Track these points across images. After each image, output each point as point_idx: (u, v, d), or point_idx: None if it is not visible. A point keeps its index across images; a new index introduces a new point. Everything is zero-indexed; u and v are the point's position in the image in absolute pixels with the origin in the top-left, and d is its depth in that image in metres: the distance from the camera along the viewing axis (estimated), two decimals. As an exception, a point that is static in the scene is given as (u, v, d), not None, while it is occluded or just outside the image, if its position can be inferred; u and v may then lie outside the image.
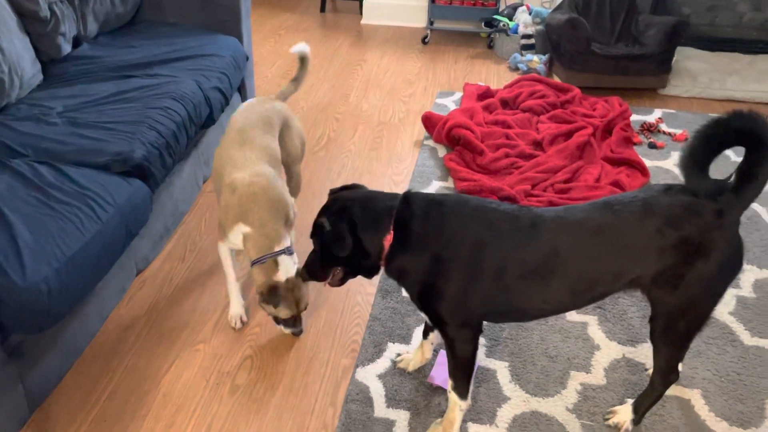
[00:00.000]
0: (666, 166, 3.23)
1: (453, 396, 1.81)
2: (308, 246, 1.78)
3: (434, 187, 3.05)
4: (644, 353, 2.15)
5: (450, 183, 3.07)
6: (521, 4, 4.63)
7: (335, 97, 3.95)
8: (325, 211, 1.69)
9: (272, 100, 2.47)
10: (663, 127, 3.57)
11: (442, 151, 3.34)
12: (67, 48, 2.88)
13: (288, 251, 2.07)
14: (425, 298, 1.68)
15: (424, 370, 2.09)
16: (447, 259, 1.60)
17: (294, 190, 2.56)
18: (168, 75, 2.74)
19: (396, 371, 2.10)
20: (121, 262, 2.25)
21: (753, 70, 4.08)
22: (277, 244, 2.04)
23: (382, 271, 1.73)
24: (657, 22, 3.92)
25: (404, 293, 2.29)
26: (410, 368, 2.09)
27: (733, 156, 3.20)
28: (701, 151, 1.49)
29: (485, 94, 3.80)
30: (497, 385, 2.05)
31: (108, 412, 1.98)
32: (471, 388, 1.81)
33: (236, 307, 2.30)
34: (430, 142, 3.43)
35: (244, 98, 3.43)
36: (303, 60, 2.63)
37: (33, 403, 1.91)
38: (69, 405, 1.99)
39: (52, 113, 2.44)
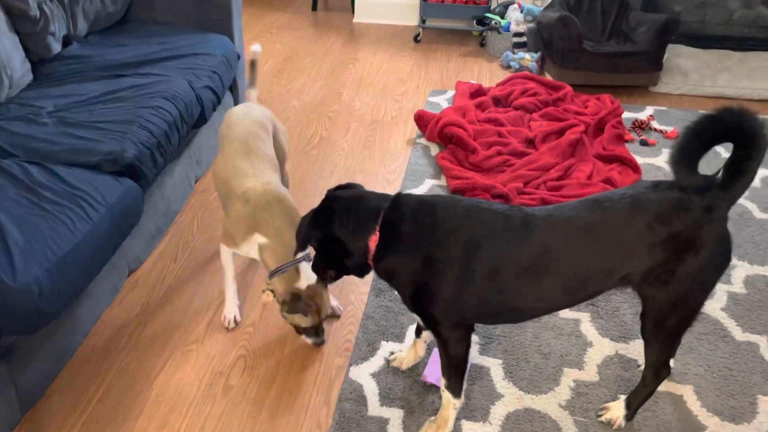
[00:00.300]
0: (657, 163, 3.24)
1: (446, 394, 1.81)
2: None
3: (427, 185, 3.05)
4: (637, 350, 2.16)
5: (443, 181, 3.07)
6: (513, 2, 4.63)
7: (328, 96, 3.94)
8: (310, 212, 1.73)
9: (258, 106, 2.44)
10: (654, 124, 3.58)
11: (434, 150, 3.34)
12: (57, 47, 2.86)
13: (308, 258, 2.03)
14: (418, 300, 1.68)
15: (417, 369, 2.10)
16: (439, 260, 1.60)
17: None
18: (159, 74, 2.73)
19: (389, 370, 2.10)
20: (112, 262, 2.24)
21: (744, 67, 4.11)
22: (290, 251, 2.00)
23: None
24: (648, 20, 3.93)
25: (397, 292, 2.29)
26: (404, 366, 2.09)
27: (723, 152, 3.21)
28: (691, 147, 1.50)
29: (477, 92, 3.80)
30: (491, 382, 2.06)
31: (100, 413, 1.97)
32: (464, 386, 1.82)
33: (231, 308, 2.29)
34: (423, 141, 3.43)
35: (235, 97, 3.42)
36: (253, 64, 2.59)
37: (25, 405, 1.90)
38: (61, 406, 1.98)
39: (42, 113, 2.42)
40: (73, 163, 2.18)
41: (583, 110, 3.57)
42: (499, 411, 1.96)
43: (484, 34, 4.71)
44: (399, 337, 2.22)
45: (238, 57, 3.26)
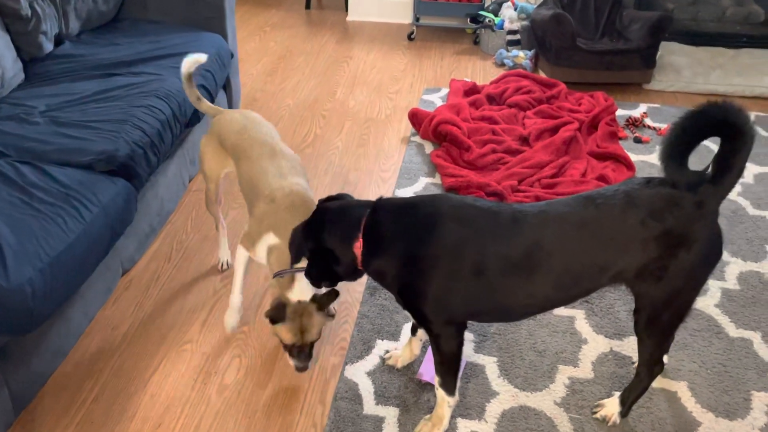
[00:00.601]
0: (651, 160, 3.25)
1: (441, 392, 1.81)
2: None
3: (422, 183, 3.05)
4: (631, 346, 2.17)
5: (437, 179, 3.07)
6: (506, 0, 4.63)
7: (322, 94, 3.93)
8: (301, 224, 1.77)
9: (248, 111, 2.35)
10: (648, 121, 3.59)
11: (429, 148, 3.34)
12: (48, 46, 2.85)
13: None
14: (407, 297, 1.69)
15: (412, 367, 2.10)
16: (423, 257, 1.60)
17: None
18: (152, 73, 2.72)
19: (385, 368, 2.10)
20: (106, 262, 2.23)
21: (736, 64, 4.12)
22: (302, 260, 1.90)
23: None
24: (641, 17, 3.94)
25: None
26: (399, 365, 2.09)
27: (715, 147, 3.22)
28: (679, 142, 1.51)
29: (471, 90, 3.81)
30: (486, 380, 2.06)
31: (95, 414, 1.96)
32: (458, 383, 1.82)
33: (232, 319, 2.18)
34: (417, 139, 3.43)
35: (229, 96, 3.41)
36: (189, 78, 2.34)
37: (18, 406, 1.89)
38: (55, 407, 1.97)
39: (34, 112, 2.41)
40: (66, 163, 2.17)
41: (577, 108, 3.58)
42: (494, 409, 1.97)
43: (477, 31, 4.71)
44: (394, 336, 2.22)
45: (232, 55, 3.25)
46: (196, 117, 2.79)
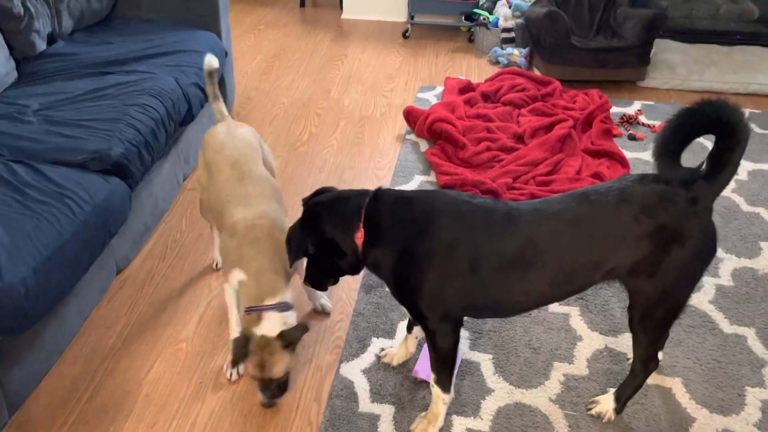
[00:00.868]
0: (645, 157, 3.25)
1: (436, 389, 1.81)
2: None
3: (416, 181, 3.05)
4: (626, 343, 2.17)
5: (432, 177, 3.07)
6: (501, -2, 4.63)
7: (316, 93, 3.93)
8: (298, 221, 1.73)
9: (238, 123, 2.26)
10: (642, 118, 3.59)
11: (424, 146, 3.34)
12: (41, 45, 2.84)
13: (280, 307, 1.84)
14: (403, 292, 1.69)
15: (408, 365, 2.10)
16: (418, 253, 1.60)
17: None
18: (146, 71, 2.71)
19: (380, 366, 2.10)
20: (100, 261, 2.22)
21: (730, 62, 4.13)
22: (270, 296, 1.83)
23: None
24: (635, 15, 3.95)
25: (387, 288, 2.29)
26: (394, 363, 2.09)
27: (709, 144, 3.23)
28: (672, 140, 1.51)
29: (466, 87, 3.80)
30: (481, 377, 2.06)
31: (89, 414, 1.95)
32: (453, 380, 1.82)
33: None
34: (412, 137, 3.43)
35: (223, 94, 3.39)
36: (211, 75, 2.33)
37: (12, 406, 1.88)
38: (49, 407, 1.97)
39: (27, 111, 2.40)
40: (59, 162, 2.16)
41: (572, 105, 3.58)
42: (489, 406, 1.97)
43: (472, 29, 4.71)
44: (389, 334, 2.22)
45: (226, 54, 3.24)
46: (190, 115, 2.79)
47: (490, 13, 4.57)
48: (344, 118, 3.65)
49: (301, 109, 3.73)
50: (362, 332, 2.22)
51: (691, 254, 1.57)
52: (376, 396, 2.00)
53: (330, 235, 1.68)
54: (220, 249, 2.04)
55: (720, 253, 2.58)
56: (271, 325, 1.81)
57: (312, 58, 4.42)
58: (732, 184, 2.96)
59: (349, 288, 2.42)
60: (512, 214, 1.60)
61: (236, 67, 4.14)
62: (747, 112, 3.65)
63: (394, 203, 1.66)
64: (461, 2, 4.72)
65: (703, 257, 1.62)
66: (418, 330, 2.05)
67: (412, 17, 4.84)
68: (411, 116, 3.46)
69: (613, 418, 1.91)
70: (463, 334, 2.17)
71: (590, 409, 1.94)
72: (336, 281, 1.84)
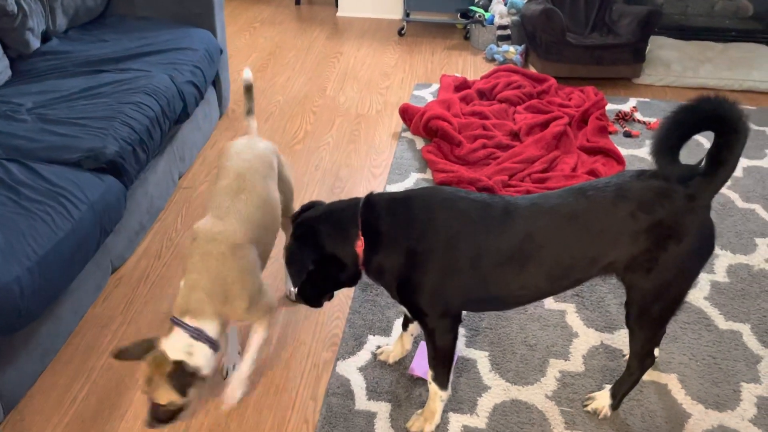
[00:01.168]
0: (641, 154, 3.26)
1: (433, 386, 1.81)
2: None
3: (413, 179, 3.05)
4: (622, 340, 2.18)
5: (428, 175, 3.07)
6: (497, -5, 4.63)
7: (312, 90, 3.92)
8: (292, 235, 1.69)
9: (261, 139, 2.11)
10: (638, 115, 3.60)
11: (420, 143, 3.34)
12: (35, 43, 2.82)
13: (195, 333, 1.65)
14: (404, 292, 1.68)
15: (404, 362, 2.10)
16: (420, 251, 1.60)
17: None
18: (140, 69, 2.70)
19: (376, 363, 2.10)
20: (95, 260, 2.22)
21: (725, 58, 4.14)
22: (191, 316, 1.67)
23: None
24: (630, 12, 3.95)
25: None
26: (391, 360, 2.10)
27: (706, 142, 3.24)
28: (671, 136, 1.51)
29: (462, 85, 3.80)
30: (477, 374, 2.06)
31: (85, 413, 1.95)
32: (451, 378, 1.82)
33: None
34: (408, 134, 3.42)
35: (218, 92, 3.39)
36: (249, 89, 2.23)
37: (7, 405, 1.88)
38: (45, 406, 1.96)
39: (21, 110, 2.39)
40: (54, 161, 2.15)
41: (567, 102, 3.58)
42: (486, 403, 1.97)
43: (468, 27, 4.71)
44: (386, 331, 2.22)
45: (221, 51, 3.23)
46: (185, 113, 2.78)
47: (486, 10, 4.56)
48: (340, 115, 3.64)
49: (296, 107, 3.72)
50: (358, 330, 2.22)
51: (688, 251, 1.57)
52: (373, 393, 2.00)
53: (330, 249, 1.64)
54: None
55: (715, 249, 2.58)
56: (175, 346, 1.64)
57: (307, 55, 4.41)
58: (727, 181, 2.98)
59: (345, 286, 2.42)
60: (510, 209, 1.60)
61: (231, 65, 4.12)
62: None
63: (389, 206, 1.64)
64: (457, 0, 4.72)
65: (701, 254, 1.62)
66: (414, 327, 2.05)
67: (407, 14, 4.83)
68: (407, 114, 3.45)
69: (609, 414, 1.92)
70: (460, 331, 2.17)
71: (586, 406, 1.95)
72: (332, 296, 1.81)
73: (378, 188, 2.99)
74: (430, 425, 1.86)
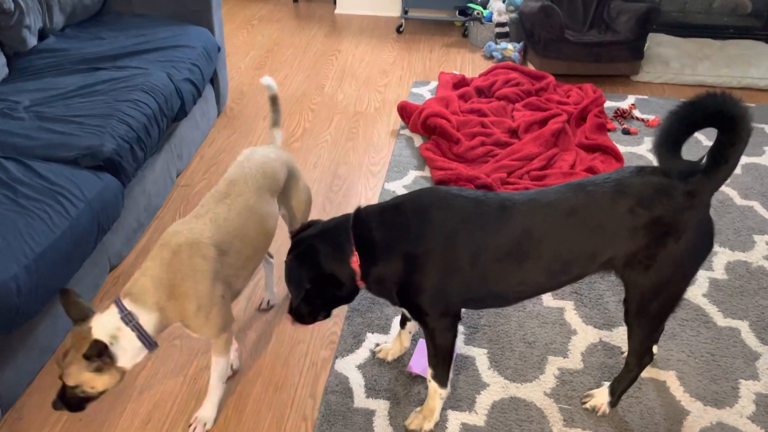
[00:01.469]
0: (639, 151, 3.26)
1: (433, 384, 1.81)
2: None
3: (411, 176, 3.04)
4: (620, 337, 2.18)
5: (426, 172, 3.07)
6: (495, -8, 4.62)
7: (310, 88, 3.91)
8: (291, 253, 1.66)
9: (281, 150, 2.06)
10: (636, 113, 3.60)
11: (418, 141, 3.34)
12: (32, 41, 2.82)
13: (128, 317, 1.60)
14: (404, 295, 1.67)
15: (403, 360, 2.10)
16: (419, 254, 1.59)
17: None
18: (138, 67, 2.70)
19: (375, 361, 2.10)
20: (93, 258, 2.21)
21: (723, 55, 4.14)
22: (130, 299, 1.62)
23: None
24: (629, 9, 3.95)
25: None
26: (389, 358, 2.09)
27: (705, 140, 3.24)
28: (674, 131, 1.50)
29: (460, 82, 3.80)
30: (476, 372, 2.06)
31: (83, 411, 1.94)
32: (450, 375, 1.82)
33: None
34: (407, 132, 3.42)
35: (216, 90, 3.39)
36: (274, 100, 2.18)
37: (5, 404, 1.87)
38: (43, 404, 1.96)
39: (18, 108, 2.38)
40: (51, 159, 2.15)
41: (566, 100, 3.58)
42: (484, 400, 1.97)
43: (466, 24, 4.70)
44: (384, 329, 2.22)
45: (219, 49, 3.22)
46: (182, 111, 2.77)
47: (484, 7, 4.56)
48: (338, 113, 3.64)
49: (294, 105, 3.71)
50: (357, 328, 2.22)
51: (686, 248, 1.57)
52: (371, 391, 1.99)
53: (328, 268, 1.62)
54: None
55: (714, 246, 2.58)
56: (103, 324, 1.59)
57: (305, 53, 4.41)
58: (728, 178, 2.98)
59: (343, 283, 2.42)
60: (505, 204, 1.60)
61: (229, 62, 4.12)
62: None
63: (380, 216, 1.64)
64: (455, -3, 4.71)
65: (699, 251, 1.62)
66: (412, 325, 2.05)
67: (405, 12, 4.83)
68: (405, 111, 3.45)
69: (607, 411, 1.92)
70: (459, 329, 2.17)
71: (585, 403, 1.95)
72: (328, 315, 1.75)
73: (376, 186, 2.99)
74: (429, 423, 1.86)
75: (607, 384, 1.93)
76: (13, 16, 2.66)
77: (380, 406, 1.95)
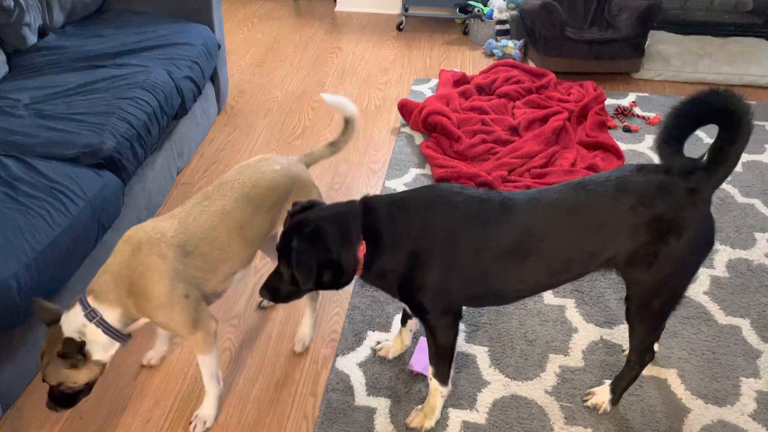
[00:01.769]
0: (640, 149, 3.25)
1: (434, 382, 1.81)
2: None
3: (411, 174, 3.04)
4: (621, 335, 2.17)
5: (427, 170, 3.06)
6: (495, -10, 4.61)
7: (310, 86, 3.91)
8: (296, 232, 1.56)
9: (292, 161, 1.98)
10: (637, 110, 3.59)
11: (418, 138, 3.33)
12: (32, 38, 2.81)
13: (92, 316, 1.63)
14: (406, 291, 1.67)
15: (403, 358, 2.09)
16: (422, 251, 1.59)
17: None
18: (138, 65, 2.69)
19: (376, 359, 2.10)
20: (93, 256, 2.20)
21: (724, 53, 4.13)
22: (93, 296, 1.64)
23: None
24: (630, 6, 3.94)
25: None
26: (390, 356, 2.09)
27: (706, 138, 3.23)
28: (676, 127, 1.50)
29: (461, 80, 3.79)
30: (477, 370, 2.06)
31: (84, 409, 1.94)
32: (451, 373, 1.82)
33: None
34: (407, 130, 3.41)
35: (217, 88, 3.38)
36: (348, 123, 2.07)
37: (5, 402, 1.87)
38: (43, 402, 1.94)
39: (18, 105, 2.38)
40: (51, 156, 2.15)
41: (567, 97, 3.58)
42: (485, 398, 1.97)
43: (467, 21, 4.69)
44: (385, 327, 2.22)
45: (219, 47, 3.22)
46: (183, 109, 2.77)
47: (485, 5, 4.55)
48: (339, 111, 3.62)
49: (295, 103, 3.71)
50: (358, 326, 2.22)
51: (688, 245, 1.57)
52: (372, 389, 1.99)
53: (336, 254, 1.55)
54: None
55: (715, 244, 2.58)
56: (70, 323, 1.63)
57: (306, 50, 4.40)
58: (729, 176, 2.98)
59: (344, 281, 2.41)
60: (507, 203, 1.59)
61: (229, 60, 4.12)
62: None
63: (388, 209, 1.61)
64: (455, -6, 4.70)
65: (701, 249, 1.62)
66: (413, 323, 2.05)
67: (406, 9, 4.82)
68: (406, 109, 3.44)
69: (608, 409, 1.92)
70: (460, 327, 2.16)
71: (586, 401, 1.95)
72: (301, 296, 1.69)
73: (377, 184, 2.98)
74: (430, 421, 1.86)
75: (608, 382, 1.93)
76: (13, 13, 2.65)
77: (381, 404, 1.94)
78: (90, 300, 1.65)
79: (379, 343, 2.15)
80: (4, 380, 1.84)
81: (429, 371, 1.81)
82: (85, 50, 2.78)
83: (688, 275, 1.65)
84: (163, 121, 2.57)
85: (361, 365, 2.07)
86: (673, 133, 1.50)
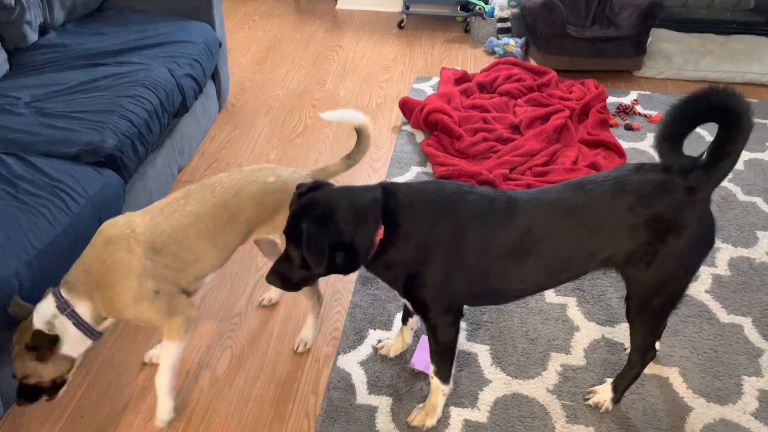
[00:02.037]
0: (642, 147, 3.25)
1: (435, 381, 1.81)
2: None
3: (413, 172, 3.04)
4: (623, 333, 2.17)
5: (428, 168, 3.06)
6: (497, -12, 4.60)
7: (311, 84, 3.90)
8: (305, 214, 1.51)
9: (297, 176, 1.89)
10: (638, 108, 3.59)
11: (420, 137, 3.33)
12: (33, 36, 2.81)
13: (63, 307, 1.63)
14: (410, 287, 1.66)
15: (405, 356, 2.09)
16: (431, 246, 1.58)
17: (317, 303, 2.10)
18: (139, 62, 2.69)
19: (377, 358, 2.09)
20: (94, 254, 2.20)
21: (726, 51, 4.12)
22: (65, 288, 1.64)
23: None
24: (631, 4, 3.93)
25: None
26: (391, 354, 2.09)
27: (707, 135, 3.22)
28: (676, 125, 1.50)
29: (462, 78, 3.79)
30: (478, 368, 2.06)
31: (85, 408, 1.94)
32: (453, 372, 1.81)
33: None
34: (408, 128, 3.41)
35: (218, 86, 3.38)
36: (360, 132, 1.98)
37: (7, 401, 1.87)
38: (44, 400, 1.95)
39: (19, 103, 2.38)
40: (52, 154, 2.14)
41: (568, 95, 3.57)
42: (487, 396, 1.97)
43: (468, 19, 4.68)
44: (386, 325, 2.21)
45: (220, 44, 3.21)
46: (184, 107, 2.77)
47: (486, 2, 4.54)
48: (339, 109, 3.62)
49: (296, 100, 3.70)
50: (359, 324, 2.22)
51: (687, 244, 1.56)
52: (374, 388, 1.99)
53: (349, 237, 1.50)
54: None
55: (716, 242, 2.58)
56: (41, 314, 1.62)
57: (307, 48, 4.39)
58: (728, 175, 2.97)
59: (346, 280, 2.41)
60: (512, 202, 1.59)
61: (230, 58, 4.11)
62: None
63: (407, 197, 1.58)
64: (457, -8, 4.70)
65: (701, 247, 1.61)
66: (414, 321, 2.05)
67: (407, 7, 4.81)
68: (407, 107, 3.44)
69: (610, 408, 1.91)
70: (461, 325, 2.16)
71: (588, 400, 1.94)
72: (313, 282, 1.66)
73: (378, 182, 2.98)
74: (432, 419, 1.86)
75: (609, 380, 1.93)
76: (14, 11, 2.65)
77: (383, 403, 1.94)
78: (63, 291, 1.64)
79: (380, 341, 2.15)
80: (5, 378, 1.84)
81: (430, 370, 1.81)
82: (86, 48, 2.78)
83: (688, 274, 1.65)
84: (164, 119, 2.57)
85: (362, 363, 2.07)
86: (673, 131, 1.50)
